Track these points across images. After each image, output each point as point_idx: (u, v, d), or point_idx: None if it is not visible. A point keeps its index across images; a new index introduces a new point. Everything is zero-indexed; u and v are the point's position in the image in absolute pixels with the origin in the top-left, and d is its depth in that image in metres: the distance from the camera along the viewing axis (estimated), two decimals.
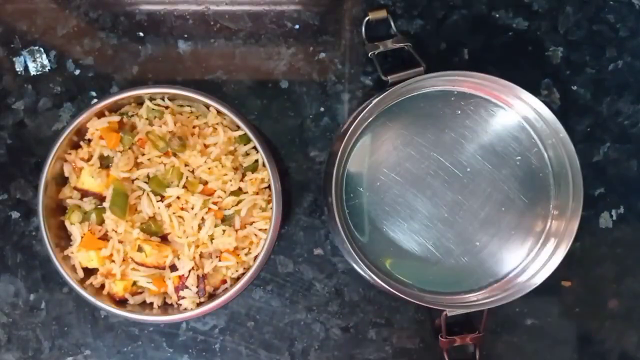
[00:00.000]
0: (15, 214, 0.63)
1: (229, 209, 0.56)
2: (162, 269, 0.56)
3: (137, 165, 0.56)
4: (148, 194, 0.55)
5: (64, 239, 0.57)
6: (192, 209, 0.56)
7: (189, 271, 0.56)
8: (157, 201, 0.55)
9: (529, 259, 0.60)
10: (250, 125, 0.56)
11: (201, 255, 0.56)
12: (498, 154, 0.60)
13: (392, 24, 0.62)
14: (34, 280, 0.63)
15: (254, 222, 0.57)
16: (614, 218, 0.65)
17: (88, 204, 0.56)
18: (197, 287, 0.56)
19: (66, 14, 0.63)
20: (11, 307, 0.63)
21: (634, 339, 0.65)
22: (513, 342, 0.64)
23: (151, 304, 0.57)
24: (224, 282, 0.57)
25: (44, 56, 0.63)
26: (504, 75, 0.57)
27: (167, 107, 0.58)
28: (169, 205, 0.56)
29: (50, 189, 0.56)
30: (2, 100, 0.63)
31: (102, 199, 0.56)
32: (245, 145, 0.58)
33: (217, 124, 0.58)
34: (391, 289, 0.56)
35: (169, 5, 0.64)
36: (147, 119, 0.57)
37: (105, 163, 0.57)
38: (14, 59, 0.63)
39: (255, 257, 0.56)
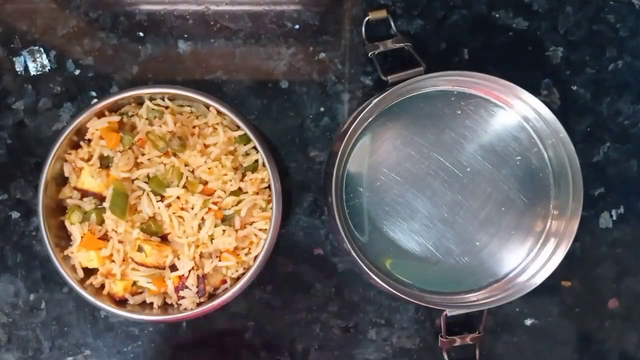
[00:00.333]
0: (15, 214, 0.63)
1: (229, 209, 0.56)
2: (162, 269, 0.56)
3: (137, 165, 0.56)
4: (148, 194, 0.55)
5: (64, 239, 0.57)
6: (192, 209, 0.56)
7: (189, 271, 0.56)
8: (157, 201, 0.55)
9: (529, 259, 0.60)
10: (250, 125, 0.56)
11: (201, 255, 0.56)
12: (498, 154, 0.60)
13: (392, 24, 0.62)
14: (34, 280, 0.63)
15: (254, 222, 0.57)
16: (614, 218, 0.65)
17: (88, 204, 0.56)
18: (197, 287, 0.56)
19: (66, 14, 0.63)
20: (11, 307, 0.63)
21: (633, 339, 0.65)
22: (513, 342, 0.64)
23: (151, 304, 0.57)
24: (224, 282, 0.57)
25: (44, 56, 0.63)
26: (504, 75, 0.57)
27: (167, 107, 0.58)
28: (169, 205, 0.56)
29: (50, 189, 0.56)
30: (2, 100, 0.63)
31: (102, 199, 0.56)
32: (245, 145, 0.58)
33: (217, 124, 0.58)
34: (391, 289, 0.56)
35: (169, 5, 0.64)
36: (147, 119, 0.57)
37: (105, 163, 0.57)
38: (14, 59, 0.63)
39: (255, 257, 0.56)
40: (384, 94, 0.57)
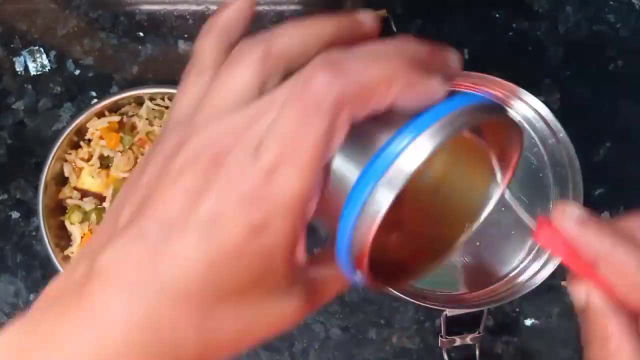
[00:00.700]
0: (15, 214, 0.63)
1: None
2: None
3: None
4: None
5: (64, 239, 0.57)
6: None
7: None
8: None
9: (529, 259, 0.60)
10: None
11: None
12: None
13: (392, 24, 0.62)
14: (34, 280, 0.63)
15: None
16: (614, 218, 0.65)
17: (88, 204, 0.56)
18: None
19: (66, 14, 0.63)
20: (11, 307, 0.63)
21: None
22: (513, 342, 0.64)
23: None
24: None
25: (44, 56, 0.63)
26: (504, 75, 0.57)
27: (167, 107, 0.58)
28: None
29: (50, 189, 0.56)
30: (2, 100, 0.63)
31: (102, 199, 0.56)
32: None
33: None
34: (391, 289, 0.56)
35: (169, 5, 0.64)
36: (147, 119, 0.57)
37: (105, 163, 0.57)
38: (14, 59, 0.63)
39: None
40: None
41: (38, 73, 0.63)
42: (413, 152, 0.24)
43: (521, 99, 0.58)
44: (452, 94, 0.26)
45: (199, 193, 0.23)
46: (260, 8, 0.64)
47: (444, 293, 0.60)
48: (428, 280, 0.59)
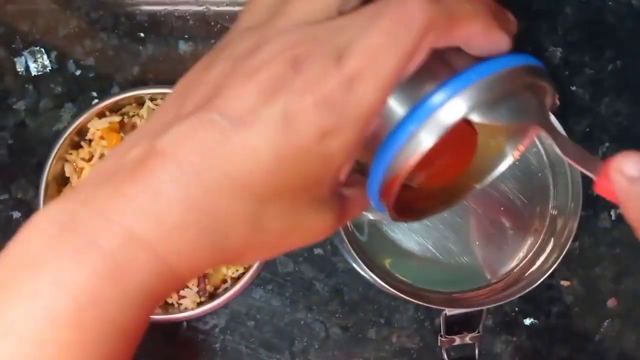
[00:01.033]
0: (16, 214, 0.63)
1: None
2: None
3: None
4: None
5: None
6: None
7: None
8: None
9: (529, 259, 0.60)
10: None
11: None
12: None
13: None
14: None
15: None
16: (613, 218, 0.65)
17: None
18: (197, 286, 0.56)
19: (67, 15, 0.64)
20: None
21: (633, 338, 0.65)
22: (513, 342, 0.64)
23: None
24: (225, 281, 0.58)
25: (45, 57, 0.63)
26: None
27: None
28: None
29: (51, 189, 0.56)
30: (3, 101, 0.63)
31: None
32: None
33: None
34: (391, 289, 0.56)
35: (169, 6, 0.64)
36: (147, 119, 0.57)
37: None
38: (15, 59, 0.63)
39: None
40: None
41: (39, 73, 0.64)
42: (473, 93, 0.24)
43: None
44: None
45: (274, 91, 0.23)
46: None
47: (444, 293, 0.60)
48: (428, 280, 0.60)
